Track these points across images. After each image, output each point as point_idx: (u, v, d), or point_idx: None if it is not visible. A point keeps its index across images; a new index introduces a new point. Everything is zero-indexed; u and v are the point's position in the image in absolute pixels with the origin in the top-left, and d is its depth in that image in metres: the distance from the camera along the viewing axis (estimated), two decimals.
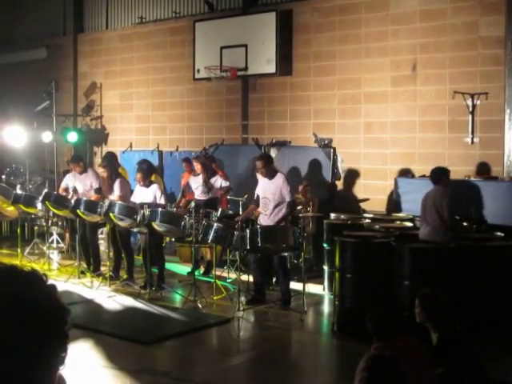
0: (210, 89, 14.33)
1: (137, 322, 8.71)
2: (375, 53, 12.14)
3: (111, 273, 10.54)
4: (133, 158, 14.01)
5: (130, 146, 15.59)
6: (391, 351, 4.35)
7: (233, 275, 10.59)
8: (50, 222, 13.12)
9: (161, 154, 14.74)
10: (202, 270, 11.31)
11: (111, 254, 10.82)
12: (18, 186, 14.19)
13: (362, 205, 12.13)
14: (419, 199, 9.02)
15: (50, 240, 13.08)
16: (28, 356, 1.46)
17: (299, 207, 10.62)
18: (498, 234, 8.65)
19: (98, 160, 15.24)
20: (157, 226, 9.65)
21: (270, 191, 9.36)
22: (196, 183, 11.15)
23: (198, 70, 14.02)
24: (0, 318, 1.45)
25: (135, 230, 10.36)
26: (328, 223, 10.29)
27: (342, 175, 12.55)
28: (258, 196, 9.62)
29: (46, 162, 16.53)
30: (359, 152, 12.39)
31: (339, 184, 12.59)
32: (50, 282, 1.56)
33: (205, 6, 14.57)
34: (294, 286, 9.80)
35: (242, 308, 9.05)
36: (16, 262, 11.14)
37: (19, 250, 11.95)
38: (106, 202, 10.15)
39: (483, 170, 10.93)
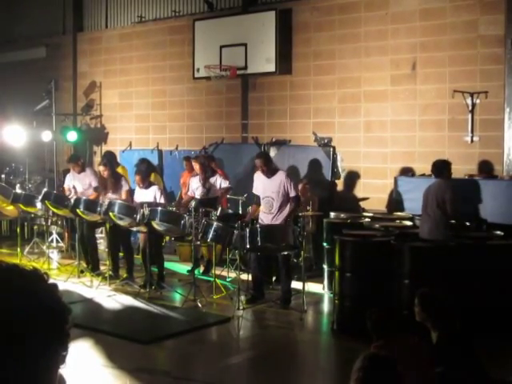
0: (209, 88, 14.33)
1: (136, 321, 8.71)
2: (375, 52, 12.13)
3: (111, 272, 10.55)
4: (132, 157, 14.02)
5: (130, 145, 15.59)
6: (391, 350, 4.35)
7: (232, 274, 10.59)
8: (49, 221, 13.11)
9: (160, 153, 14.75)
10: (201, 269, 11.31)
11: (111, 253, 10.81)
12: (18, 186, 14.19)
13: (362, 204, 12.14)
14: (419, 198, 9.02)
15: (50, 239, 13.08)
16: (29, 355, 1.46)
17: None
18: (498, 232, 8.65)
19: (97, 159, 15.24)
20: (156, 225, 9.65)
21: (271, 190, 9.33)
22: (196, 183, 11.15)
23: (198, 69, 14.02)
24: (1, 316, 1.45)
25: (134, 229, 10.36)
26: (328, 222, 10.29)
27: (342, 174, 12.55)
28: (255, 194, 9.63)
29: (46, 161, 16.53)
30: (359, 151, 12.39)
31: (339, 183, 12.59)
32: (51, 280, 1.56)
33: (204, 5, 14.56)
34: (294, 284, 9.79)
35: (241, 307, 9.05)
36: (16, 261, 11.13)
37: (19, 250, 11.95)
38: (106, 201, 10.16)
39: (483, 168, 10.93)
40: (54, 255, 12.94)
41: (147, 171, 10.49)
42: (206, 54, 13.81)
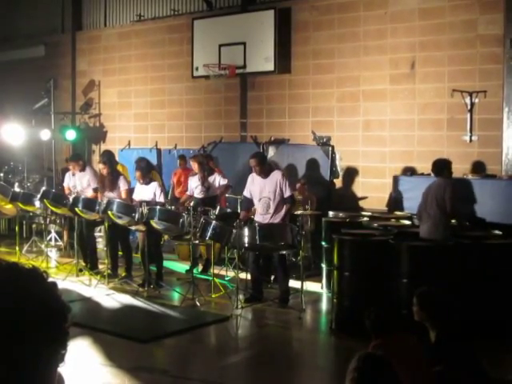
0: (208, 87, 14.33)
1: (135, 320, 8.71)
2: (374, 51, 12.14)
3: (109, 271, 10.55)
4: (131, 156, 14.01)
5: (129, 143, 15.59)
6: (389, 349, 4.35)
7: (231, 273, 10.59)
8: (48, 219, 13.11)
9: (159, 151, 14.75)
10: (200, 267, 11.30)
11: (109, 251, 10.81)
12: (17, 184, 14.17)
13: (361, 203, 12.14)
14: (418, 197, 9.01)
15: (49, 238, 13.07)
16: (28, 353, 1.46)
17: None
18: (496, 232, 8.65)
19: (96, 158, 15.24)
20: (155, 223, 9.65)
21: (268, 190, 9.30)
22: (195, 182, 11.15)
23: (197, 68, 14.02)
24: (0, 315, 1.45)
25: (133, 227, 10.36)
26: (326, 221, 10.30)
27: (341, 173, 12.56)
28: (246, 199, 9.63)
29: (45, 159, 16.54)
30: (358, 150, 12.39)
31: (338, 182, 12.60)
32: (50, 279, 1.56)
33: (203, 4, 14.56)
34: (293, 283, 9.79)
35: (240, 306, 9.05)
36: (14, 260, 11.11)
37: (17, 248, 11.94)
38: (105, 200, 10.16)
39: (481, 168, 10.94)
40: (53, 254, 12.93)
41: (147, 168, 10.49)
42: (205, 52, 13.81)
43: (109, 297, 9.74)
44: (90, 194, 11.11)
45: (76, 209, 10.44)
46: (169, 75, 15.13)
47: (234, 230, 8.96)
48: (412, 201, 10.26)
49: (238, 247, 9.11)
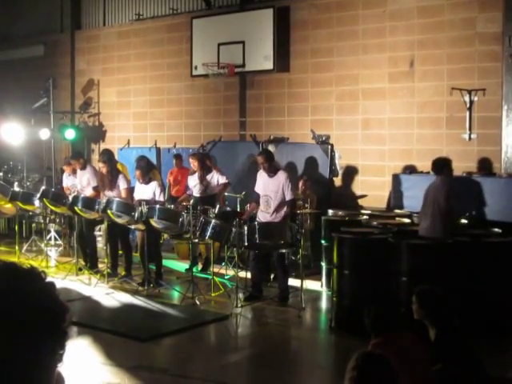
0: (207, 85, 14.34)
1: (135, 319, 8.71)
2: (373, 49, 12.14)
3: (109, 270, 10.55)
4: (130, 155, 14.03)
5: (128, 142, 15.59)
6: (389, 348, 4.36)
7: (231, 272, 10.59)
8: (47, 219, 13.12)
9: (158, 150, 14.75)
10: (199, 266, 11.31)
11: (109, 250, 10.81)
12: (16, 184, 14.16)
13: (360, 201, 12.14)
14: (417, 195, 9.03)
15: (48, 237, 13.07)
16: (26, 353, 1.46)
17: (299, 202, 10.56)
18: (496, 230, 8.65)
19: (95, 157, 15.23)
20: (155, 222, 9.65)
21: (270, 189, 9.31)
22: (194, 181, 11.15)
23: (196, 67, 14.01)
24: None
25: (133, 226, 10.36)
26: (326, 220, 10.30)
27: (340, 172, 12.56)
28: (256, 193, 9.62)
29: (44, 159, 16.54)
30: (357, 148, 12.39)
31: (337, 180, 12.60)
32: (48, 279, 1.57)
33: (202, 3, 14.57)
34: (292, 282, 9.80)
35: (239, 305, 9.06)
36: (14, 259, 11.14)
37: (17, 248, 11.95)
38: (104, 199, 10.16)
39: (481, 166, 10.94)
40: (52, 253, 12.93)
41: (147, 167, 10.50)
42: (204, 51, 13.80)
43: (108, 296, 9.74)
44: (89, 192, 11.11)
45: (75, 208, 10.44)
46: (168, 74, 15.13)
47: (234, 229, 8.97)
48: (412, 199, 10.27)
49: (237, 246, 9.11)
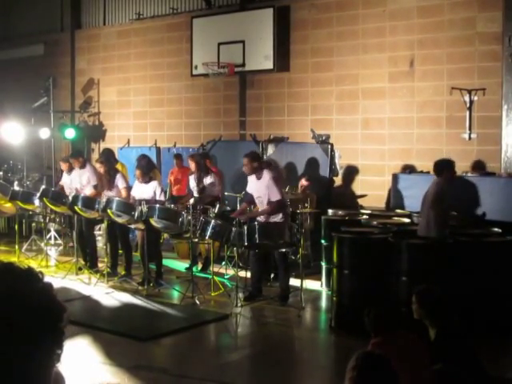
0: (207, 85, 14.34)
1: (134, 319, 8.71)
2: (373, 49, 12.14)
3: (109, 269, 10.54)
4: (130, 155, 14.03)
5: (128, 142, 15.59)
6: (389, 348, 4.36)
7: (231, 271, 10.59)
8: (47, 218, 13.11)
9: (158, 150, 14.75)
10: (199, 266, 11.30)
11: (109, 250, 10.81)
12: (16, 183, 14.16)
13: (360, 201, 12.14)
14: (417, 195, 9.01)
15: (48, 236, 13.07)
16: (23, 353, 1.46)
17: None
18: (496, 229, 8.65)
19: (95, 156, 15.24)
20: (155, 222, 9.65)
21: (261, 190, 9.29)
22: (193, 182, 11.16)
23: (196, 66, 14.01)
24: None
25: (132, 226, 10.36)
26: (326, 219, 10.29)
27: (340, 171, 12.56)
28: (248, 194, 9.61)
29: (44, 158, 16.54)
30: (357, 148, 12.40)
31: (337, 180, 12.60)
32: (46, 279, 1.57)
33: (202, 2, 14.57)
34: (292, 282, 9.79)
35: (239, 304, 9.06)
36: (14, 258, 11.14)
37: (17, 247, 11.94)
38: (104, 199, 10.15)
39: (480, 165, 10.94)
40: (52, 252, 12.93)
41: (148, 166, 10.49)
42: (204, 51, 13.80)
43: (108, 295, 9.73)
44: (89, 191, 11.10)
45: (75, 207, 10.44)
46: (168, 73, 15.13)
47: (234, 229, 8.97)
48: (411, 199, 10.26)
49: (237, 245, 9.11)
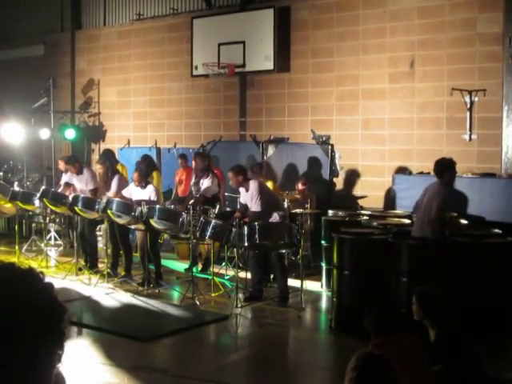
0: (207, 85, 14.34)
1: (134, 319, 8.70)
2: (373, 49, 12.13)
3: (109, 270, 10.54)
4: (130, 155, 14.04)
5: (128, 142, 15.58)
6: (389, 348, 4.36)
7: (231, 272, 10.59)
8: (47, 218, 13.11)
9: (159, 150, 14.75)
10: (199, 266, 11.30)
11: (109, 250, 10.82)
12: (16, 183, 14.17)
13: (360, 202, 12.14)
14: (417, 196, 8.99)
15: (48, 237, 13.07)
16: (24, 354, 1.46)
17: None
18: (496, 230, 8.64)
19: (95, 157, 15.24)
20: (155, 222, 9.64)
21: (250, 202, 9.38)
22: (193, 182, 11.17)
23: (196, 67, 14.02)
24: None
25: (132, 226, 10.35)
26: (326, 220, 10.29)
27: (340, 172, 12.56)
28: (241, 204, 9.65)
29: (44, 158, 16.54)
30: (357, 149, 12.39)
31: (337, 181, 12.60)
32: (46, 279, 1.56)
33: (202, 3, 14.57)
34: (292, 282, 9.80)
35: (239, 305, 9.06)
36: (14, 259, 11.14)
37: (17, 247, 11.94)
38: (104, 199, 10.15)
39: (481, 166, 10.93)
40: (52, 253, 12.93)
41: (147, 170, 10.47)
42: (204, 51, 13.80)
43: (108, 296, 9.73)
44: (89, 195, 11.07)
45: (76, 208, 10.44)
46: (168, 74, 15.13)
47: (234, 229, 8.98)
48: (411, 199, 10.24)
49: (237, 246, 9.11)
